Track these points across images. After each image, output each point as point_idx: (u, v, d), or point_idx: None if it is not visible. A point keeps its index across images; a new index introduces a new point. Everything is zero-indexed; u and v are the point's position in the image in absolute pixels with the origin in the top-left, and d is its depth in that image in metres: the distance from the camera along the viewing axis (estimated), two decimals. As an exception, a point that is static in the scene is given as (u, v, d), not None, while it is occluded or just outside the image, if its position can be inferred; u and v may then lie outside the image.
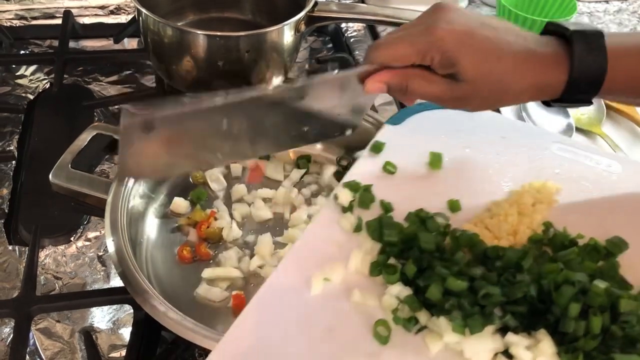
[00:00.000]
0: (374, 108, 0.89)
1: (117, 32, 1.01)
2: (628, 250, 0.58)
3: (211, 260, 0.67)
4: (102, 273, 0.69)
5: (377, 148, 0.69)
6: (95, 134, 0.72)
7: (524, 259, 0.54)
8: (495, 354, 0.50)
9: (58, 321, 0.64)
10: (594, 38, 0.56)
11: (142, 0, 0.81)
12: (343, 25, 1.08)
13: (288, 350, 0.50)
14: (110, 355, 0.62)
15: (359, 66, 0.60)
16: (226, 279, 0.65)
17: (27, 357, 0.60)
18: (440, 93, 0.58)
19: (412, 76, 0.58)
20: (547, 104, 0.61)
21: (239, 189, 0.74)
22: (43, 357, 0.61)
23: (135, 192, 0.68)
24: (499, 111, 0.88)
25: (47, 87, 0.93)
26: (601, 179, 0.67)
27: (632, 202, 0.65)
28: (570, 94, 0.57)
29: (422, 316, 0.52)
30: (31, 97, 0.91)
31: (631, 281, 0.55)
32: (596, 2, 1.22)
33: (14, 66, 0.96)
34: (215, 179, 0.75)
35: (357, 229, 0.59)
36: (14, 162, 0.80)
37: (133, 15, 1.05)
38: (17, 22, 1.03)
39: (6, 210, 0.74)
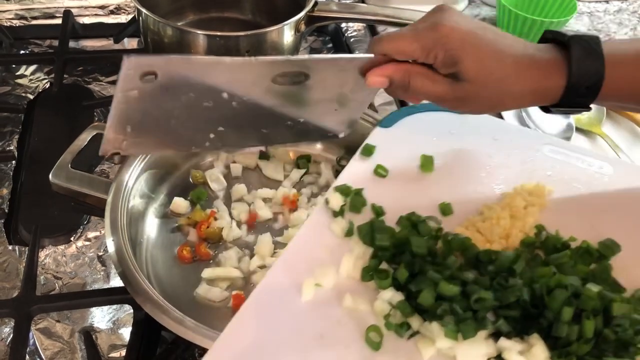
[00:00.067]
0: (373, 108, 0.89)
1: (117, 32, 1.01)
2: (621, 253, 0.58)
3: (211, 260, 0.67)
4: (102, 273, 0.69)
5: (368, 151, 0.68)
6: (95, 133, 0.72)
7: (516, 262, 0.54)
8: (488, 359, 0.49)
9: (58, 321, 0.64)
10: (591, 43, 0.56)
11: (142, 0, 0.81)
12: (343, 25, 1.08)
13: (279, 357, 0.49)
14: (110, 355, 0.62)
15: (365, 54, 0.60)
16: (226, 279, 0.65)
17: (27, 357, 0.60)
18: (442, 92, 0.58)
19: (415, 73, 0.58)
20: (546, 110, 0.62)
21: (239, 188, 0.74)
22: (43, 357, 0.61)
23: (135, 192, 0.68)
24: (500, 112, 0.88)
25: (47, 87, 0.93)
26: (593, 180, 0.67)
27: (624, 204, 0.65)
28: (568, 99, 0.58)
29: (415, 321, 0.51)
30: (31, 97, 0.91)
31: (624, 284, 0.55)
32: (596, 2, 1.22)
33: (14, 66, 0.96)
34: (215, 178, 0.75)
35: (349, 233, 0.59)
36: (14, 162, 0.80)
37: (133, 15, 1.05)
38: (17, 22, 1.03)
39: (6, 210, 0.74)
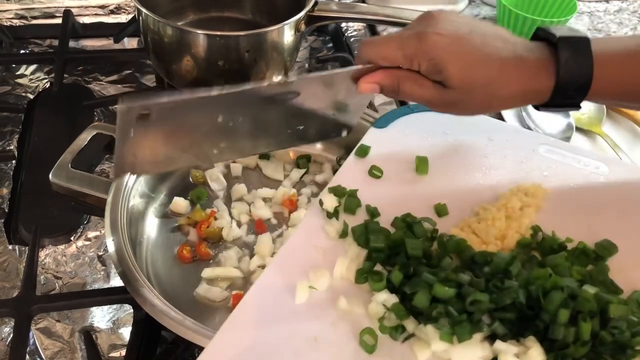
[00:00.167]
0: (373, 107, 0.89)
1: (117, 31, 1.01)
2: (618, 254, 0.58)
3: (211, 260, 0.67)
4: (102, 273, 0.69)
5: (363, 152, 0.68)
6: (95, 133, 0.73)
7: (512, 264, 0.53)
8: None
9: (58, 321, 0.64)
10: (580, 44, 0.57)
11: (142, 0, 0.81)
12: (343, 24, 1.08)
13: (273, 359, 0.49)
14: (110, 355, 0.62)
15: (352, 66, 0.61)
16: (226, 278, 0.65)
17: (27, 356, 0.60)
18: (430, 97, 0.59)
19: (404, 78, 0.59)
20: (536, 107, 0.62)
21: (239, 188, 0.74)
22: (43, 356, 0.61)
23: (135, 191, 0.68)
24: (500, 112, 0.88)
25: (47, 86, 0.93)
26: (589, 181, 0.67)
27: (621, 204, 0.65)
28: (557, 99, 0.58)
29: (409, 324, 0.51)
30: (31, 96, 0.91)
31: (621, 285, 0.55)
32: (596, 1, 1.22)
33: (14, 65, 0.96)
34: (215, 178, 0.75)
35: (343, 234, 0.59)
36: (14, 161, 0.80)
37: (133, 14, 1.05)
38: (17, 22, 1.03)
39: (6, 210, 0.74)
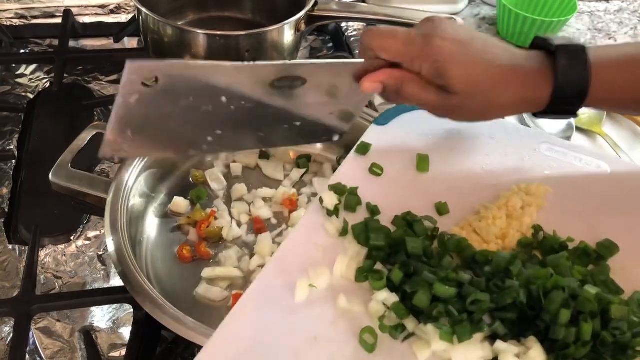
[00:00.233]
0: (373, 107, 0.89)
1: (117, 31, 1.01)
2: (619, 254, 0.58)
3: (211, 260, 0.67)
4: (102, 272, 0.69)
5: (364, 149, 0.68)
6: (95, 133, 0.72)
7: (513, 263, 0.53)
8: None
9: (58, 320, 0.64)
10: (577, 53, 0.57)
11: (142, 0, 0.81)
12: (343, 24, 1.07)
13: (272, 358, 0.49)
14: (110, 355, 0.62)
15: (359, 59, 0.61)
16: (226, 278, 0.65)
17: (27, 356, 0.60)
18: (431, 101, 0.60)
19: (408, 80, 0.59)
20: (534, 115, 0.63)
21: (239, 188, 0.74)
22: (43, 356, 0.61)
23: (135, 191, 0.68)
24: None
25: (47, 86, 0.93)
26: (591, 180, 0.67)
27: (622, 204, 0.65)
28: (554, 107, 0.59)
29: (410, 323, 0.51)
30: (31, 96, 0.91)
31: (622, 285, 0.55)
32: (597, 1, 1.22)
33: (14, 65, 0.96)
34: (215, 178, 0.75)
35: (343, 233, 0.59)
36: (14, 161, 0.80)
37: (133, 14, 1.05)
38: (17, 21, 1.03)
39: (6, 210, 0.74)
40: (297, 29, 0.84)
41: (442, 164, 0.68)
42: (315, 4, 0.85)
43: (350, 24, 1.08)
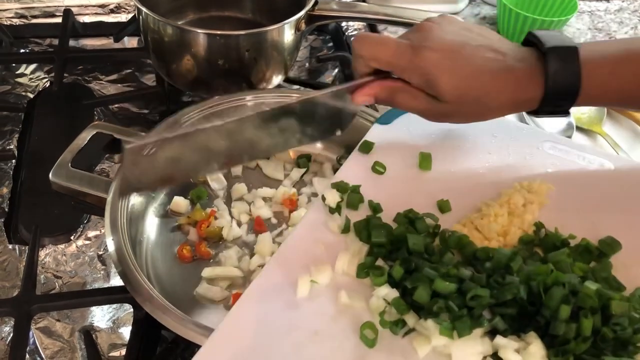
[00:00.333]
0: (374, 107, 0.89)
1: (117, 30, 1.01)
2: (621, 251, 0.58)
3: (211, 260, 0.67)
4: (102, 272, 0.69)
5: (366, 148, 0.68)
6: (95, 132, 0.72)
7: (514, 260, 0.54)
8: (484, 357, 0.49)
9: (58, 320, 0.64)
10: (568, 54, 0.57)
11: (142, -1, 0.81)
12: (343, 24, 1.08)
13: (273, 353, 0.49)
14: (110, 355, 0.62)
15: (349, 82, 0.63)
16: (226, 278, 0.65)
17: (27, 356, 0.60)
18: (424, 109, 0.61)
19: (398, 90, 0.61)
20: (527, 113, 0.64)
21: (239, 188, 0.74)
22: (43, 356, 0.61)
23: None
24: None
25: (47, 85, 0.93)
26: (593, 178, 0.67)
27: (625, 202, 0.65)
28: (545, 107, 0.59)
29: (410, 319, 0.51)
30: (31, 95, 0.91)
31: (624, 282, 0.55)
32: (597, 0, 1.22)
33: (14, 65, 0.96)
34: (215, 178, 0.75)
35: (345, 230, 0.59)
36: (14, 161, 0.80)
37: (133, 13, 1.05)
38: (17, 21, 1.03)
39: (6, 209, 0.74)
40: (297, 28, 0.84)
41: (444, 162, 0.68)
42: (316, 3, 0.85)
43: (351, 23, 1.08)
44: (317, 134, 0.69)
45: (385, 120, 0.72)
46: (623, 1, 1.22)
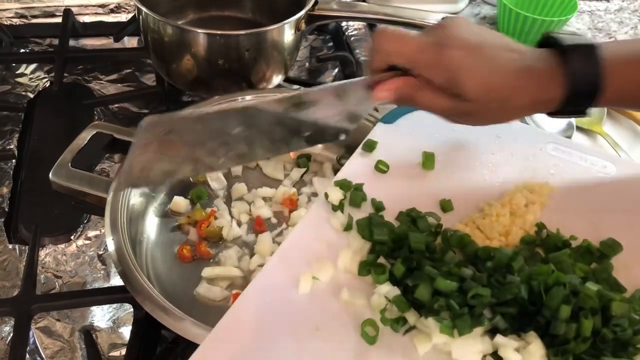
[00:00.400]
0: (374, 107, 0.89)
1: (117, 30, 1.01)
2: (622, 252, 0.58)
3: (211, 259, 0.67)
4: (102, 272, 0.69)
5: (370, 147, 0.69)
6: (95, 132, 0.72)
7: (515, 259, 0.54)
8: (484, 356, 0.50)
9: (58, 320, 0.64)
10: (589, 53, 0.56)
11: (142, -1, 0.81)
12: (344, 23, 1.07)
13: (275, 348, 0.50)
14: (110, 354, 0.62)
15: (366, 76, 0.60)
16: (226, 278, 0.65)
17: (27, 355, 0.60)
18: (445, 107, 0.58)
19: (420, 88, 0.58)
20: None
21: (239, 187, 0.74)
22: (43, 355, 0.61)
23: (135, 190, 0.68)
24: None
25: (47, 85, 0.93)
26: (596, 179, 0.67)
27: (627, 203, 0.65)
28: (566, 107, 0.58)
29: (411, 316, 0.52)
30: (31, 95, 0.91)
31: (625, 283, 0.55)
32: (597, 0, 1.22)
33: (14, 65, 0.96)
34: (215, 178, 0.75)
35: (348, 227, 0.59)
36: (14, 160, 0.80)
37: (133, 13, 1.05)
38: (17, 21, 1.03)
39: (6, 209, 0.74)
40: (297, 28, 0.84)
41: (447, 162, 0.68)
42: (316, 3, 0.85)
43: (351, 23, 1.08)
44: (321, 137, 0.68)
45: (389, 119, 0.73)
46: (623, 1, 1.22)
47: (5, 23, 1.01)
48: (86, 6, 1.05)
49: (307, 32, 0.89)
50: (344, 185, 0.63)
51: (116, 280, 0.67)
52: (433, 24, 0.60)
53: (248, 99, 0.77)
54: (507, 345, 0.49)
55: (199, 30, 0.79)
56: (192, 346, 0.61)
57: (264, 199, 0.74)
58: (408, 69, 0.58)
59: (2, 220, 0.73)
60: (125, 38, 1.02)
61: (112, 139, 0.73)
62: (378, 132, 0.71)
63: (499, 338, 0.50)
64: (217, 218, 0.71)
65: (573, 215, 0.63)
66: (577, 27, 1.14)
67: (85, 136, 0.72)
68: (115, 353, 0.62)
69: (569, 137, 0.86)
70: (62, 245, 0.71)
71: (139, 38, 1.00)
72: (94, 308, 0.65)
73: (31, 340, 0.62)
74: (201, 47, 0.80)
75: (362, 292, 0.54)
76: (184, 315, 0.55)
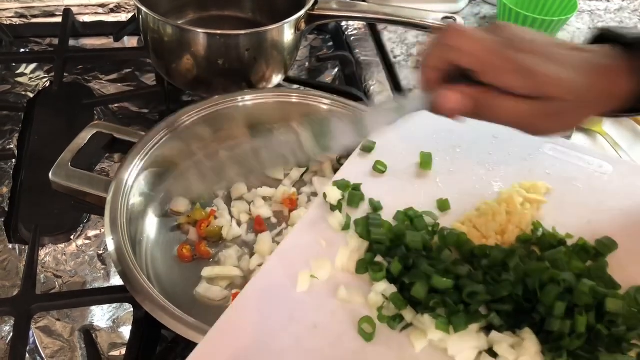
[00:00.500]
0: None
1: (117, 30, 1.01)
2: (617, 251, 0.59)
3: (211, 259, 0.67)
4: (102, 272, 0.69)
5: (368, 147, 0.69)
6: (95, 132, 0.72)
7: (510, 257, 0.54)
8: (480, 352, 0.50)
9: (58, 319, 0.64)
10: None
11: (142, -1, 0.81)
12: (343, 23, 1.07)
13: (273, 346, 0.50)
14: (110, 354, 0.62)
15: (424, 92, 0.54)
16: (226, 277, 0.65)
17: (27, 355, 0.60)
18: (527, 112, 0.52)
19: (493, 96, 0.52)
20: (601, 115, 0.58)
21: (239, 187, 0.74)
22: (43, 355, 0.61)
23: (135, 190, 0.68)
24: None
25: (47, 85, 0.93)
26: (592, 179, 0.68)
27: (622, 203, 0.65)
28: (634, 104, 0.55)
29: (407, 314, 0.52)
30: (31, 95, 0.91)
31: (619, 281, 0.55)
32: (597, 0, 1.22)
33: (14, 64, 0.96)
34: (215, 177, 0.75)
35: (346, 227, 0.60)
36: (14, 160, 0.80)
37: (133, 13, 1.05)
38: (17, 21, 1.03)
39: (6, 209, 0.74)
40: (297, 28, 0.84)
41: (445, 162, 0.68)
42: (315, 3, 0.85)
43: (351, 23, 1.07)
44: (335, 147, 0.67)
45: None
46: (623, 0, 1.22)
47: (5, 23, 1.01)
48: (86, 6, 1.05)
49: (307, 31, 0.89)
50: (342, 185, 0.63)
51: (116, 280, 0.67)
52: (491, 26, 0.54)
53: (248, 98, 0.77)
54: (502, 341, 0.50)
55: (199, 30, 0.79)
56: (192, 346, 0.61)
57: (264, 198, 0.74)
58: (472, 71, 0.51)
59: (2, 220, 0.73)
60: (125, 38, 1.02)
61: (112, 139, 0.73)
62: (376, 133, 0.71)
63: (494, 334, 0.50)
64: (217, 218, 0.71)
65: (569, 215, 0.63)
66: (577, 26, 1.14)
67: (85, 136, 0.72)
68: (115, 353, 0.62)
69: (569, 136, 0.86)
70: (62, 245, 0.71)
71: (139, 38, 1.00)
72: (93, 308, 0.65)
73: (31, 340, 0.62)
74: (201, 47, 0.80)
75: (359, 290, 0.55)
76: (184, 315, 0.55)
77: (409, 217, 0.60)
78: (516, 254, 0.55)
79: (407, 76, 0.96)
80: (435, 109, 0.53)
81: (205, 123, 0.75)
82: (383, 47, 1.03)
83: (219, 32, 0.79)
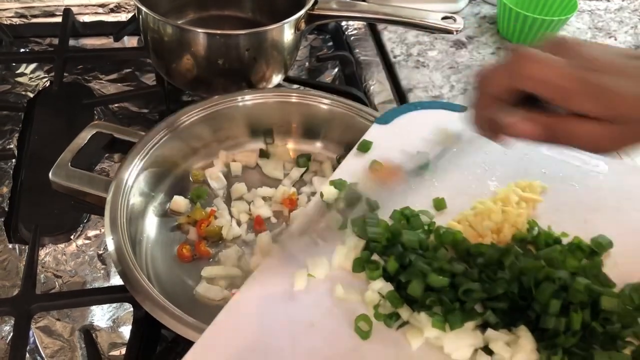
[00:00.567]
0: (374, 107, 0.89)
1: (117, 30, 1.01)
2: (613, 249, 0.59)
3: (211, 259, 0.67)
4: (102, 271, 0.69)
5: (365, 147, 0.69)
6: (95, 132, 0.72)
7: (506, 255, 0.55)
8: (475, 350, 0.50)
9: (58, 319, 0.64)
10: None
11: (142, -1, 0.81)
12: (343, 23, 1.07)
13: (270, 344, 0.50)
14: (110, 354, 0.62)
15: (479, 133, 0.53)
16: (226, 277, 0.65)
17: (27, 355, 0.60)
18: (606, 136, 0.49)
19: (570, 121, 0.49)
20: None
21: (239, 187, 0.74)
22: (43, 355, 0.61)
23: (135, 190, 0.68)
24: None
25: (47, 85, 0.93)
26: (587, 178, 0.68)
27: (618, 202, 0.66)
28: None
29: (404, 312, 0.53)
30: (31, 95, 0.91)
31: (614, 279, 0.56)
32: (597, 0, 1.22)
33: (14, 64, 0.96)
34: (215, 177, 0.75)
35: (342, 226, 0.60)
36: (14, 160, 0.80)
37: (133, 13, 1.05)
38: (17, 20, 1.03)
39: (6, 209, 0.74)
40: (297, 27, 0.84)
41: (441, 161, 0.68)
42: (315, 2, 0.85)
43: (351, 23, 1.08)
44: None
45: (384, 120, 0.73)
46: (623, 0, 1.22)
47: (5, 23, 1.01)
48: (86, 6, 1.05)
49: (307, 31, 0.89)
50: (339, 184, 0.63)
51: (116, 280, 0.67)
52: (544, 47, 0.50)
53: (248, 98, 0.77)
54: (497, 339, 0.50)
55: (199, 30, 0.79)
56: (192, 345, 0.62)
57: (264, 198, 0.74)
58: (546, 99, 0.48)
59: (2, 219, 0.73)
60: (125, 38, 1.02)
61: (112, 139, 0.73)
62: (373, 133, 0.71)
63: (490, 332, 0.51)
64: (216, 217, 0.71)
65: (565, 214, 0.63)
66: (577, 26, 1.14)
67: (85, 136, 0.72)
68: (115, 352, 0.62)
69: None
70: (62, 245, 0.71)
71: (139, 38, 1.00)
72: (93, 307, 0.65)
73: (31, 340, 0.62)
74: (201, 47, 0.80)
75: (356, 288, 0.55)
76: (184, 314, 0.55)
77: (405, 216, 0.61)
78: (512, 253, 0.55)
79: (407, 76, 0.96)
80: (496, 135, 0.51)
81: (205, 123, 0.76)
82: (383, 47, 1.03)
83: (218, 32, 0.79)
